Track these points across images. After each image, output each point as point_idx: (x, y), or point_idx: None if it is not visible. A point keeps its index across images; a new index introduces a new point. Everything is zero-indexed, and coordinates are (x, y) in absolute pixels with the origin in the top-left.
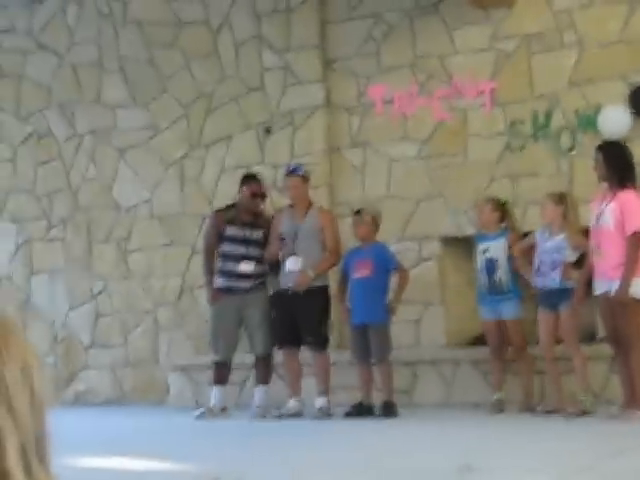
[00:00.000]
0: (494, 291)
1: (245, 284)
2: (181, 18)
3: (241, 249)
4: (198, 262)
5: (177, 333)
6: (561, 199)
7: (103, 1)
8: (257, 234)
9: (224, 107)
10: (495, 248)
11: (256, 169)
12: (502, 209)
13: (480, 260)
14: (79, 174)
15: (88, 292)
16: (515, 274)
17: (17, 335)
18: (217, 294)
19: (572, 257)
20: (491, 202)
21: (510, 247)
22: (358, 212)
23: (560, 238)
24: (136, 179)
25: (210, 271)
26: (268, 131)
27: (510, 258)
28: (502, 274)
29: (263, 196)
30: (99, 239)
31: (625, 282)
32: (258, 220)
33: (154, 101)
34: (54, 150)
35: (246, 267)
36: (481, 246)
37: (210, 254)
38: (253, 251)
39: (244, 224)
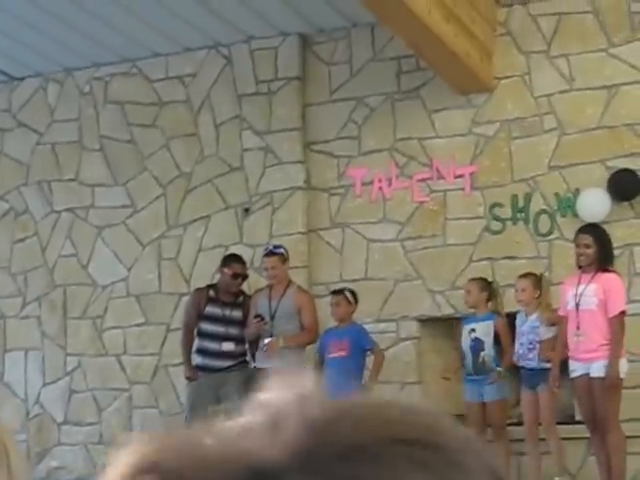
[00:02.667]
0: (478, 371)
1: (224, 363)
2: (161, 98)
3: (220, 328)
4: (173, 341)
5: (151, 411)
6: (539, 281)
7: (84, 80)
8: (237, 313)
9: (203, 187)
10: (482, 329)
11: (234, 249)
12: (489, 289)
13: (466, 340)
14: (55, 251)
15: (62, 369)
16: (498, 355)
17: None
18: (195, 372)
19: (547, 334)
20: (479, 282)
21: (496, 330)
22: (335, 292)
23: (533, 318)
24: (113, 257)
25: (189, 348)
26: (247, 211)
27: (496, 340)
28: (486, 355)
29: (245, 277)
30: (74, 316)
31: (614, 363)
32: (238, 299)
33: (133, 180)
34: (31, 227)
35: (227, 347)
36: (468, 326)
37: (189, 332)
38: (233, 330)
39: (224, 303)
